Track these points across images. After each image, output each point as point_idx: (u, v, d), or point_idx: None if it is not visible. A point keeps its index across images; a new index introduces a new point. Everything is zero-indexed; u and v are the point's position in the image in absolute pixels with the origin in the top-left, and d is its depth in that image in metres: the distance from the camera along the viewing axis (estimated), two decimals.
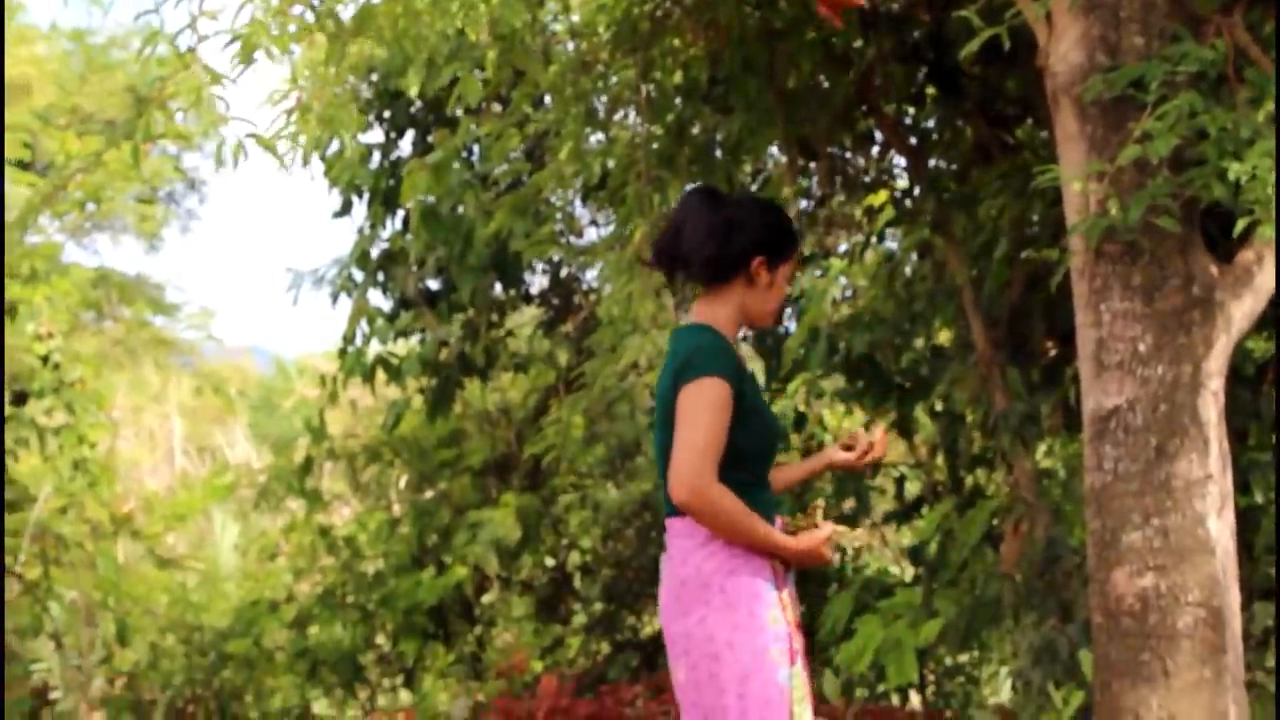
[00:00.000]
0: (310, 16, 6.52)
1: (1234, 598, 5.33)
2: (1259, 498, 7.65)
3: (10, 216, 12.95)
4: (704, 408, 4.24)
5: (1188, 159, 5.17)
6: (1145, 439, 5.27)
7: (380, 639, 12.52)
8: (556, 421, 8.93)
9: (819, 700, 9.56)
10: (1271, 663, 7.34)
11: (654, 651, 11.76)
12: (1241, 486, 7.51)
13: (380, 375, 11.72)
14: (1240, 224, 5.04)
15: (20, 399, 12.42)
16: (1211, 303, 5.30)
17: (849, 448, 4.94)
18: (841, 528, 4.79)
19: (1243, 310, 5.34)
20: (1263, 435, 7.88)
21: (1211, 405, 5.29)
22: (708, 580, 4.31)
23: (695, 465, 4.21)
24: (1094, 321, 5.37)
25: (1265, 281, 5.38)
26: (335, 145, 11.11)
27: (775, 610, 4.37)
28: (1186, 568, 5.22)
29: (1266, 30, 5.49)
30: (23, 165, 13.69)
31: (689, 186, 4.48)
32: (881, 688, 9.61)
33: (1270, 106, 5.10)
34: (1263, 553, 7.64)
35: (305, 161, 8.06)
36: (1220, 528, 5.29)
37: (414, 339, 11.90)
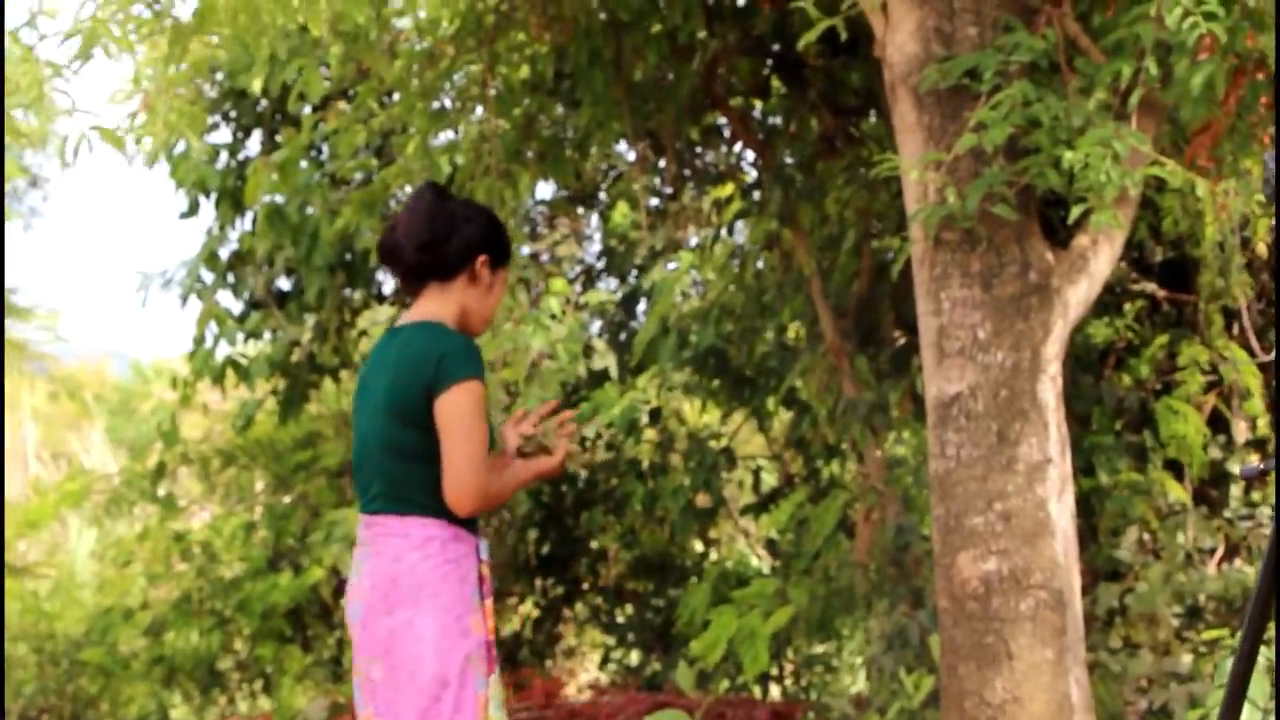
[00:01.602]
0: (149, 14, 6.43)
1: (1075, 580, 5.41)
2: (1102, 480, 7.78)
3: None
4: (476, 414, 4.23)
5: (1022, 148, 5.24)
6: (986, 424, 5.34)
7: (238, 644, 12.38)
8: None
9: (676, 693, 9.60)
10: (1115, 643, 7.46)
11: (514, 650, 11.74)
12: (1085, 470, 7.64)
13: (231, 377, 11.58)
14: (1075, 211, 5.12)
15: None
16: (1049, 289, 5.38)
17: (542, 448, 4.81)
18: (574, 447, 4.79)
19: (1079, 296, 5.43)
20: (1104, 419, 8.01)
21: (1050, 390, 5.37)
22: (422, 581, 4.26)
23: (481, 478, 4.24)
24: (935, 309, 5.43)
25: (1100, 267, 5.47)
26: (182, 145, 10.97)
27: (478, 617, 4.34)
28: (1028, 551, 5.29)
29: (1096, 20, 5.57)
30: None
31: (429, 183, 4.49)
32: (741, 679, 9.66)
33: (1101, 94, 5.18)
34: (1105, 535, 7.77)
35: (150, 162, 7.96)
36: (1061, 510, 5.37)
37: (265, 340, 11.77)
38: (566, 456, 4.63)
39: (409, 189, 9.02)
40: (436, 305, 4.44)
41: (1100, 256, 5.47)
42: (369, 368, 4.48)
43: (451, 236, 4.45)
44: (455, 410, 4.22)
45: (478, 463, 4.23)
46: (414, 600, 4.27)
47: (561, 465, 4.61)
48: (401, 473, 4.30)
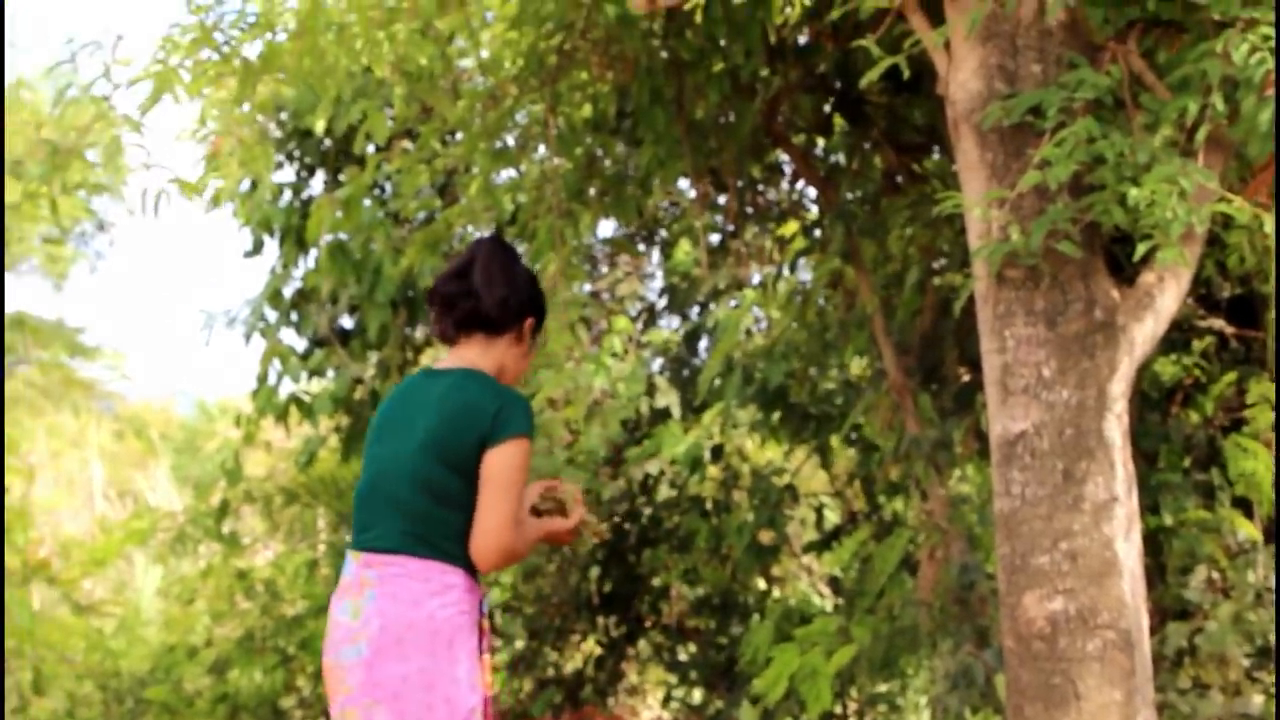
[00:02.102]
0: (216, 57, 6.50)
1: (1143, 619, 5.35)
2: (1168, 519, 7.71)
3: None
4: (520, 472, 4.29)
5: (1087, 184, 5.21)
6: (1052, 463, 5.30)
7: (301, 681, 12.41)
8: None
9: None
10: (1184, 684, 7.39)
11: (577, 688, 11.73)
12: (1152, 508, 7.57)
13: (295, 414, 11.63)
14: (1140, 248, 5.08)
15: None
16: (1114, 326, 5.33)
17: (559, 509, 4.80)
18: (590, 517, 4.80)
19: (1145, 333, 5.38)
20: (1172, 457, 7.94)
21: (1116, 428, 5.32)
22: (439, 629, 4.26)
23: (511, 535, 4.29)
24: (999, 347, 5.39)
25: (1166, 304, 5.42)
26: (246, 184, 11.05)
27: (480, 671, 4.35)
28: (1095, 590, 5.24)
29: (1160, 57, 5.54)
30: None
31: (489, 236, 4.55)
32: (804, 718, 9.61)
33: (1166, 131, 5.15)
34: (1173, 574, 7.70)
35: (218, 203, 8.04)
36: (1128, 550, 5.31)
37: (328, 377, 11.83)
38: (581, 523, 4.63)
39: (471, 228, 9.06)
40: (477, 356, 4.51)
41: (1167, 293, 5.42)
42: (401, 405, 4.47)
43: (516, 293, 4.53)
44: (505, 464, 4.26)
45: (512, 520, 4.28)
46: (430, 648, 4.26)
47: (575, 531, 4.63)
48: (434, 516, 4.31)
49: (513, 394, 4.39)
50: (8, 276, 21.00)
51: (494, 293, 4.49)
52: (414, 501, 4.31)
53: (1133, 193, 4.94)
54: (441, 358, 4.66)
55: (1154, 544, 7.55)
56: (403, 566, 4.30)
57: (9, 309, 20.26)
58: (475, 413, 4.31)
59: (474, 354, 4.52)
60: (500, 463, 4.27)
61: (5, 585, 12.66)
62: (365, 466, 4.47)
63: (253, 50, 6.63)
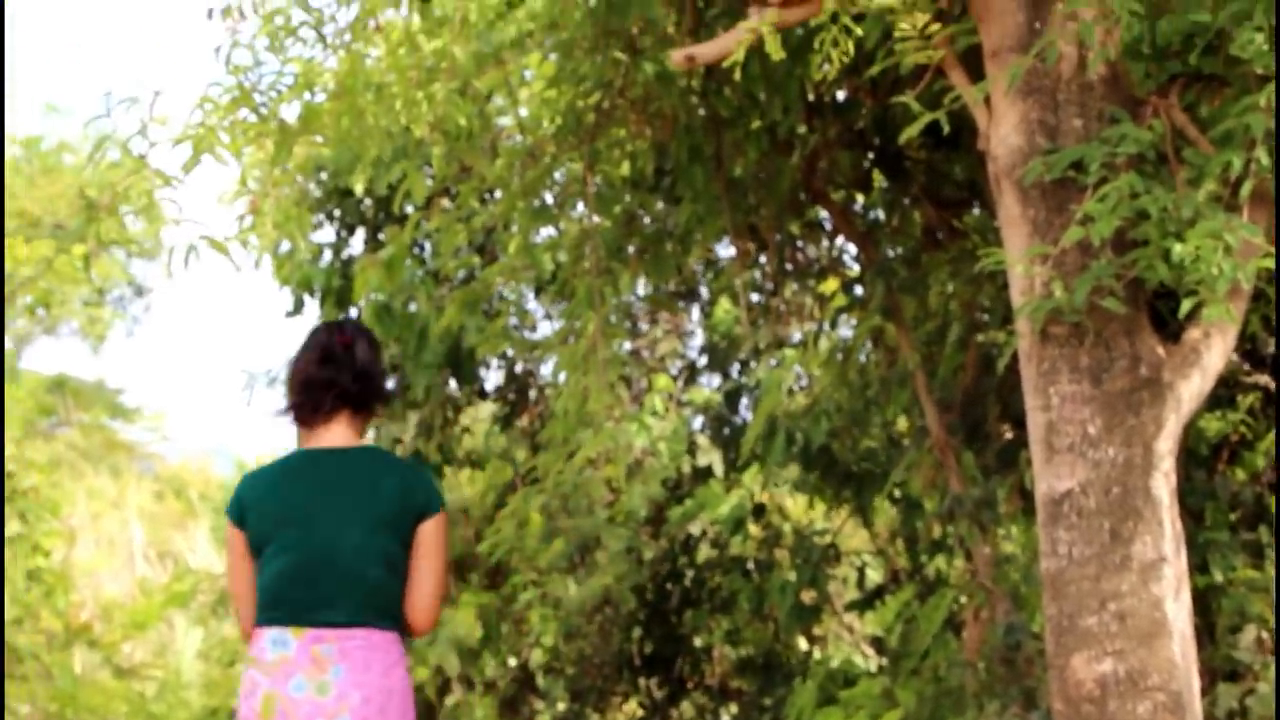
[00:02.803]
0: (255, 118, 6.50)
1: (1194, 681, 5.27)
2: (1217, 578, 7.62)
3: None
4: (447, 543, 4.52)
5: (1130, 240, 5.15)
6: (1099, 522, 5.23)
7: None
8: (512, 516, 8.86)
9: None
10: None
11: None
12: (1200, 567, 7.48)
13: None
14: (1186, 304, 5.02)
15: None
16: (1160, 383, 5.27)
17: None
18: None
19: (1191, 390, 5.32)
20: (1219, 515, 7.85)
21: (1164, 486, 5.25)
22: (406, 694, 4.42)
23: (443, 599, 4.50)
24: (1043, 405, 5.33)
25: (1213, 360, 5.36)
26: (286, 244, 11.08)
27: None
28: (1145, 652, 5.16)
29: (1203, 111, 5.50)
30: None
31: (345, 319, 4.66)
32: None
33: (1210, 185, 5.09)
34: (1223, 634, 7.60)
35: (257, 263, 8.05)
36: (1177, 610, 5.23)
37: (369, 437, 11.82)
38: None
39: (511, 286, 9.06)
40: (353, 432, 4.60)
41: (1213, 350, 5.36)
42: (314, 486, 4.50)
43: (383, 374, 4.76)
44: (440, 535, 4.49)
45: (446, 588, 4.49)
46: (404, 713, 4.43)
47: None
48: (390, 588, 4.43)
49: (424, 468, 4.56)
50: (49, 340, 21.11)
51: (373, 373, 4.66)
52: (373, 576, 4.41)
53: (1177, 248, 4.88)
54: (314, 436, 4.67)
55: (1203, 604, 7.45)
56: (365, 639, 4.39)
57: (51, 371, 20.35)
58: (412, 488, 4.48)
59: (350, 431, 4.61)
60: (436, 534, 4.47)
61: (43, 652, 12.66)
62: (289, 547, 4.46)
63: (291, 111, 6.65)
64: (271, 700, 4.33)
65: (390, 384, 4.39)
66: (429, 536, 4.45)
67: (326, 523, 4.44)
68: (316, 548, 4.42)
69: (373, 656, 4.37)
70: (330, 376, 4.59)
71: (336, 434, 4.57)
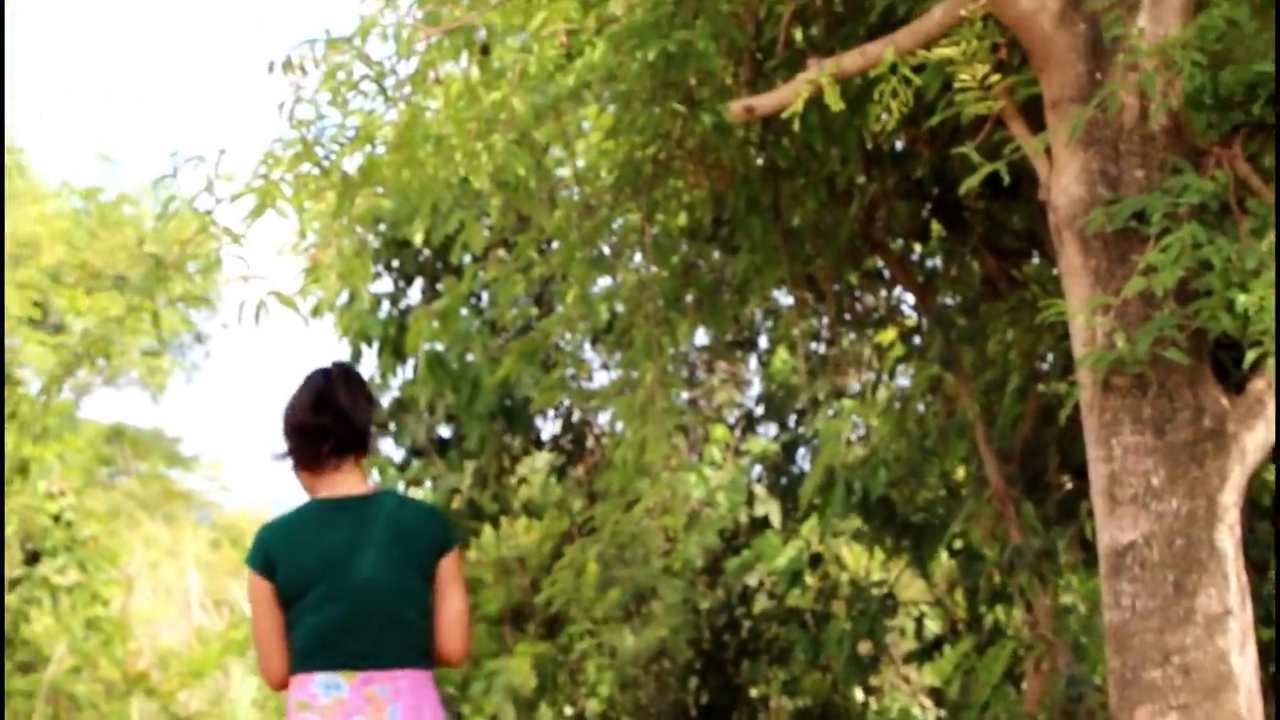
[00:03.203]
0: (317, 171, 6.55)
1: None
2: None
3: (24, 374, 12.97)
4: (463, 572, 4.72)
5: (1193, 290, 5.13)
6: (1163, 574, 5.19)
7: None
8: (569, 566, 8.86)
9: None
10: None
11: None
12: (1264, 619, 7.41)
13: None
14: (1250, 355, 4.99)
15: (33, 558, 12.38)
16: (1224, 434, 5.23)
17: None
18: None
19: (1256, 441, 5.27)
20: None
21: (1228, 538, 5.21)
22: None
23: (470, 628, 4.72)
24: (1105, 456, 5.30)
25: (1277, 412, 5.32)
26: (345, 295, 11.14)
27: None
28: (1210, 705, 5.11)
29: (1266, 161, 5.47)
30: (33, 323, 13.75)
31: (336, 363, 4.82)
32: None
33: (1273, 237, 5.07)
34: None
35: (317, 314, 8.10)
36: (1243, 664, 5.19)
37: (426, 487, 11.85)
38: None
39: (568, 336, 9.07)
40: (360, 476, 4.72)
41: (1277, 400, 5.32)
42: (340, 536, 4.60)
43: (371, 416, 4.84)
44: (459, 566, 4.67)
45: (470, 616, 4.70)
46: None
47: None
48: (424, 628, 4.60)
49: (432, 504, 4.66)
50: (108, 390, 21.25)
51: (362, 417, 4.72)
52: (410, 617, 4.57)
53: (1241, 299, 4.86)
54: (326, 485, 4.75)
55: (1268, 657, 7.38)
56: (413, 679, 4.56)
57: (111, 420, 20.48)
58: (432, 527, 4.66)
59: (358, 475, 4.71)
60: (456, 569, 4.65)
61: (101, 701, 12.69)
62: (330, 596, 4.57)
63: (352, 163, 6.69)
64: None
65: (373, 426, 4.55)
66: (450, 569, 4.62)
67: (363, 570, 4.56)
68: (358, 595, 4.54)
69: (421, 695, 4.54)
70: (326, 423, 4.67)
71: (346, 480, 4.68)
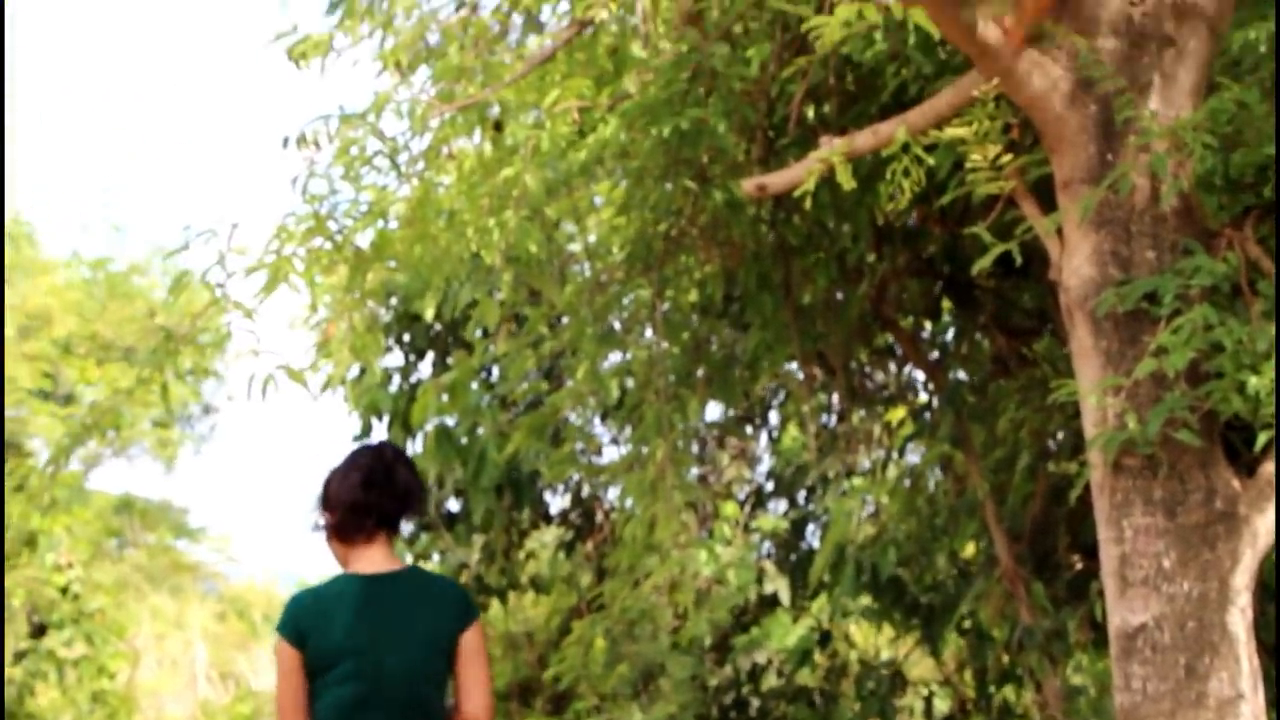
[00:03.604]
0: (329, 246, 6.57)
1: None
2: None
3: (34, 445, 12.97)
4: (485, 644, 4.87)
5: (1204, 372, 5.12)
6: (1174, 657, 5.16)
7: None
8: (577, 642, 8.83)
9: None
10: None
11: None
12: (1276, 703, 7.37)
13: None
14: (1261, 438, 4.98)
15: (39, 631, 12.35)
16: (1236, 516, 5.21)
17: None
18: None
19: (1268, 524, 5.25)
20: None
21: (1240, 622, 5.18)
22: None
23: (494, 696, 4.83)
24: (1116, 537, 5.28)
25: None
26: (356, 369, 11.15)
27: None
28: None
29: (1277, 242, 5.47)
30: (44, 395, 13.77)
31: (379, 440, 5.18)
32: None
33: None
34: None
35: (328, 388, 8.10)
36: None
37: (434, 561, 11.83)
38: None
39: (578, 412, 9.07)
40: (390, 550, 4.86)
41: None
42: (368, 612, 4.73)
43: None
44: (481, 639, 4.79)
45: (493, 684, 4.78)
46: None
47: None
48: (437, 703, 4.75)
49: (453, 579, 5.05)
50: (118, 460, 21.26)
51: (413, 495, 4.91)
52: (425, 696, 4.72)
53: (1252, 381, 4.85)
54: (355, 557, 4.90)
55: None
56: None
57: (119, 490, 20.47)
58: (455, 606, 4.78)
59: (388, 549, 4.86)
60: (479, 641, 4.77)
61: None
62: (352, 675, 4.70)
63: (365, 238, 6.71)
64: None
65: (427, 503, 4.90)
66: (472, 644, 4.74)
67: (385, 650, 4.68)
68: (381, 673, 4.67)
69: None
70: (374, 500, 4.81)
71: (378, 555, 4.83)
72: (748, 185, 6.14)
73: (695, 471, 11.62)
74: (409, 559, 11.63)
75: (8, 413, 12.76)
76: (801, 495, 11.54)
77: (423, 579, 4.85)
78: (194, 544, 23.76)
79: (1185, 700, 5.12)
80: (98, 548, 15.30)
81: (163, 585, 21.98)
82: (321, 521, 4.91)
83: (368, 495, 4.81)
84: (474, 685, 4.74)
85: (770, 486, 11.93)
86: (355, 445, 5.04)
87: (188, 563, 23.34)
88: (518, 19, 7.16)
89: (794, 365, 9.66)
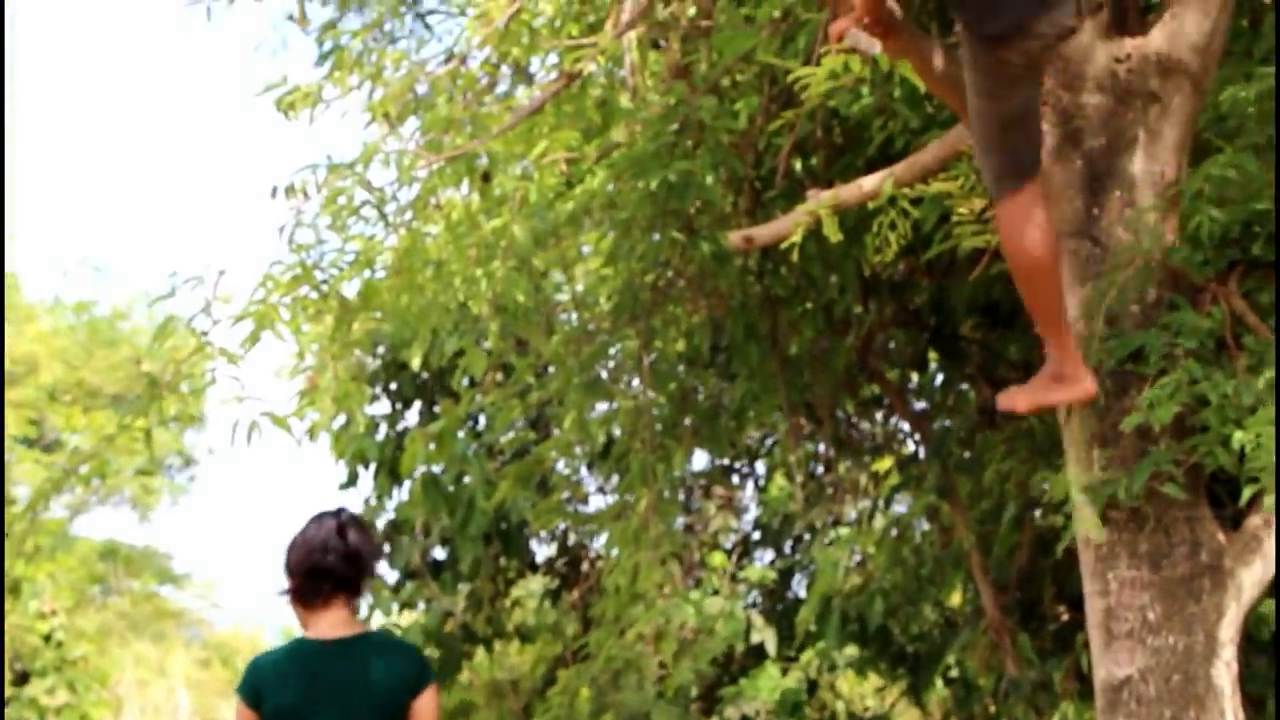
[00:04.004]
0: (315, 295, 6.56)
1: None
2: None
3: (18, 492, 12.95)
4: (439, 707, 4.97)
5: (1190, 425, 5.14)
6: (1159, 710, 5.17)
7: None
8: (563, 691, 8.81)
9: None
10: None
11: None
12: None
13: None
14: (1246, 492, 4.99)
15: (22, 679, 12.29)
16: (1221, 570, 5.23)
17: None
18: None
19: (1253, 577, 5.27)
20: None
21: (1225, 675, 5.19)
22: None
23: None
24: (1101, 590, 5.30)
25: (1274, 548, 5.31)
26: (341, 418, 11.13)
27: None
28: None
29: (1263, 298, 5.50)
30: (29, 442, 13.74)
31: (340, 509, 5.14)
32: None
33: (1270, 374, 5.08)
34: None
35: (314, 436, 8.09)
36: None
37: (420, 609, 11.81)
38: None
39: (566, 460, 9.07)
40: (351, 612, 5.02)
41: (1274, 536, 5.32)
42: (320, 676, 4.90)
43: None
44: (434, 707, 4.91)
45: None
46: None
47: None
48: None
49: (411, 644, 5.20)
50: (102, 508, 21.21)
51: (365, 558, 5.01)
52: None
53: (1238, 435, 4.86)
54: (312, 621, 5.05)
55: None
56: None
57: (102, 537, 20.40)
58: (406, 672, 4.90)
59: (347, 612, 5.00)
60: (432, 706, 4.90)
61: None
62: None
63: (351, 287, 6.70)
64: None
65: (378, 565, 5.05)
66: (424, 708, 4.88)
67: (333, 713, 4.86)
68: None
69: None
70: (329, 565, 4.95)
71: (335, 619, 4.97)
72: (735, 237, 6.17)
73: (681, 521, 11.61)
74: (395, 607, 11.61)
75: None
76: (788, 545, 11.54)
77: (378, 643, 4.98)
78: (178, 590, 23.70)
79: None
80: (81, 594, 15.27)
81: (146, 632, 21.90)
82: (285, 587, 5.06)
83: (323, 560, 4.95)
84: None
85: (757, 536, 11.93)
86: (316, 511, 5.14)
87: (171, 609, 23.26)
88: (506, 71, 7.18)
89: (780, 415, 9.67)
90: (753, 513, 12.12)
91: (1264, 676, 7.72)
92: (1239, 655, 5.38)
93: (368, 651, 4.94)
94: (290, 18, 7.70)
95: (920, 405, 9.22)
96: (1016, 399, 4.13)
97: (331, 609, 4.97)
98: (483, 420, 11.26)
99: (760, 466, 11.71)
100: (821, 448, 10.16)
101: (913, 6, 6.39)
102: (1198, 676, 5.17)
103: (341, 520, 5.05)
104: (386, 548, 11.65)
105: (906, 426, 9.62)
